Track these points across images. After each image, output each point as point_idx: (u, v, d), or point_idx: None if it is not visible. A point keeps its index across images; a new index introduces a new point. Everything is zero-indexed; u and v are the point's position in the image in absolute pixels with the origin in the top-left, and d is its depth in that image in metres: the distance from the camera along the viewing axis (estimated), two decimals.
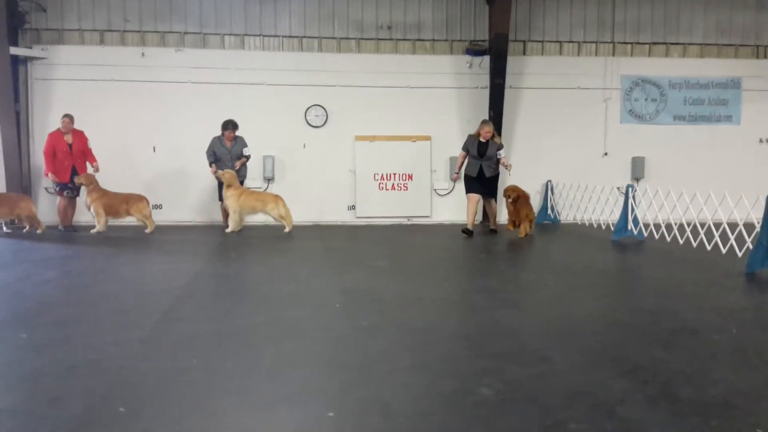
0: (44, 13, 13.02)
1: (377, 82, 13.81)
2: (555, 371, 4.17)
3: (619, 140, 14.56)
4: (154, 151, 13.33)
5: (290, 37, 13.74)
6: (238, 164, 12.03)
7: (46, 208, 12.63)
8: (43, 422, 3.36)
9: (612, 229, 11.39)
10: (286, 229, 11.83)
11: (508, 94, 13.93)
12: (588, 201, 13.03)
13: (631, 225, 10.84)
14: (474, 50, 14.00)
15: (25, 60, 12.96)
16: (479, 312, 5.93)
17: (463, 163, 11.58)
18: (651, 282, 7.70)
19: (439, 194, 14.25)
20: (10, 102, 12.59)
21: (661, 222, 10.92)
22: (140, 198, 11.92)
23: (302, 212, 12.93)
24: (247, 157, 12.21)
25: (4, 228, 11.70)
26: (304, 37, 13.77)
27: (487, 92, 13.92)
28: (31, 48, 12.97)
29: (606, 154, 14.56)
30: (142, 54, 13.22)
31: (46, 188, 12.45)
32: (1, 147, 12.67)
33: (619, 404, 3.58)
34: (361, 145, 13.93)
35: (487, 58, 13.91)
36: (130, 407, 3.55)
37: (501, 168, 11.63)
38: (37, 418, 3.41)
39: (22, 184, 12.77)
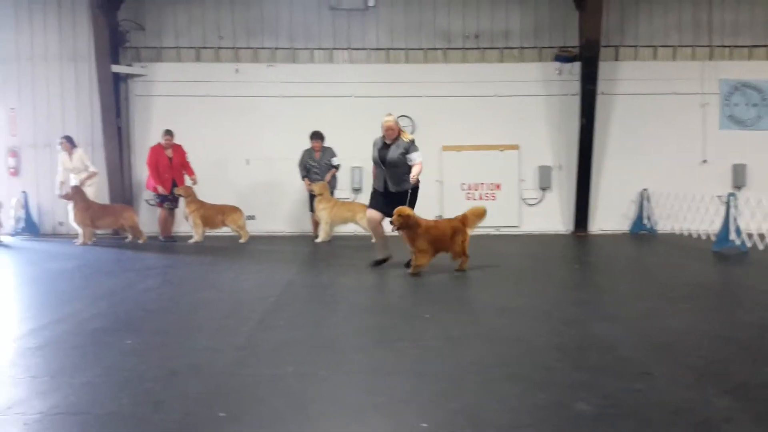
0: (143, 31, 13.67)
1: (464, 92, 13.77)
2: (655, 386, 4.01)
3: (719, 147, 13.93)
4: (248, 163, 13.73)
5: (377, 49, 13.89)
6: (328, 176, 12.23)
7: (146, 219, 13.21)
8: (147, 426, 3.50)
9: (712, 239, 10.89)
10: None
11: (600, 100, 13.59)
12: (686, 210, 12.51)
13: (733, 235, 10.33)
14: (564, 57, 13.75)
15: (126, 77, 13.64)
16: (574, 324, 5.79)
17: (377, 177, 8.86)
18: (756, 295, 7.31)
19: (528, 204, 14.03)
20: (113, 118, 13.26)
21: (766, 232, 10.35)
22: (235, 209, 12.30)
23: (387, 223, 12.98)
24: (336, 167, 12.40)
25: (129, 237, 12.27)
26: (391, 48, 13.89)
27: (577, 99, 13.62)
28: (131, 66, 13.64)
29: (705, 161, 13.96)
30: (236, 70, 13.67)
31: (146, 200, 13.05)
32: (105, 161, 13.35)
33: (725, 423, 3.41)
34: (448, 155, 13.89)
35: (577, 65, 13.63)
36: (230, 412, 3.66)
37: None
38: (141, 422, 3.56)
39: (124, 195, 13.42)
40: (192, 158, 12.52)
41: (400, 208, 7.97)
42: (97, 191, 12.57)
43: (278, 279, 8.19)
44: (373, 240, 8.97)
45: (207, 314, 6.30)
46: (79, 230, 11.85)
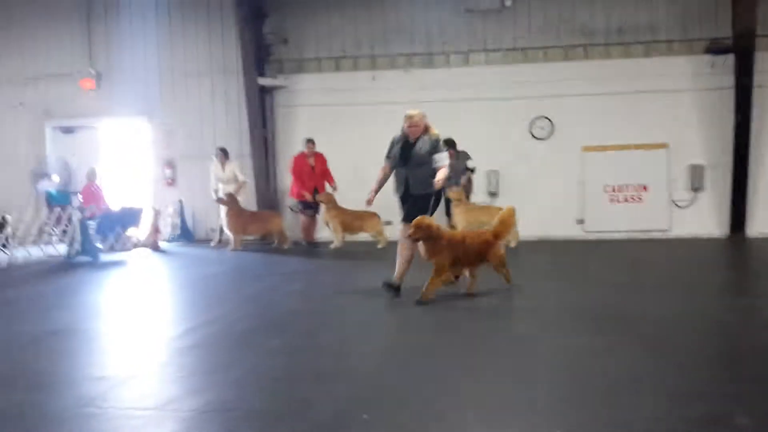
0: (286, 44, 14.22)
1: (606, 90, 13.19)
2: None
3: None
4: None
5: (514, 49, 13.64)
6: (463, 179, 12.14)
7: (290, 225, 13.67)
8: (297, 424, 3.59)
9: None
10: (512, 244, 11.68)
11: (757, 94, 12.57)
12: None
13: None
14: (716, 49, 12.85)
15: (271, 89, 14.25)
16: (732, 331, 5.37)
17: (387, 177, 7.71)
18: None
19: (678, 206, 13.21)
20: (259, 128, 13.89)
21: None
22: (373, 215, 12.48)
23: (527, 227, 12.65)
24: (472, 171, 12.28)
25: (275, 242, 12.85)
26: (529, 48, 13.58)
27: (731, 94, 12.68)
28: (275, 78, 14.23)
29: None
30: (373, 78, 13.90)
31: (290, 207, 13.52)
32: (253, 169, 14.00)
33: None
34: (590, 156, 13.37)
35: (731, 57, 12.69)
36: (374, 415, 3.68)
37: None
38: (290, 420, 3.65)
39: (270, 202, 14.00)
40: (332, 165, 12.84)
41: (419, 218, 6.86)
42: (245, 200, 13.19)
43: (417, 283, 8.20)
44: (399, 257, 7.33)
45: (350, 317, 6.43)
46: (231, 236, 12.48)
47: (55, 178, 14.34)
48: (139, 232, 13.02)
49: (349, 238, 12.62)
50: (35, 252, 11.42)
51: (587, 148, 13.35)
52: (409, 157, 7.25)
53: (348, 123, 13.90)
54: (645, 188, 13.22)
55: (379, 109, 13.82)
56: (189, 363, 4.90)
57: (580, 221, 13.44)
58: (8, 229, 11.12)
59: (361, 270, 9.81)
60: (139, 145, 14.82)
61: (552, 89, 13.31)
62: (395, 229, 13.20)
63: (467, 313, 6.52)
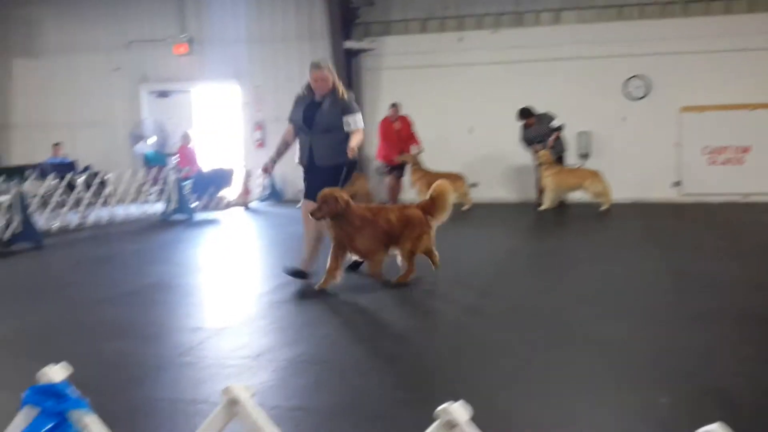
0: (372, 6, 14.13)
1: (707, 47, 12.49)
2: None
3: None
4: (471, 131, 13.73)
5: (607, 6, 13.07)
6: (551, 140, 11.80)
7: (375, 186, 13.73)
8: (384, 376, 3.65)
9: None
10: (604, 207, 11.36)
11: None
12: None
13: None
14: None
15: (357, 52, 14.24)
16: None
17: (289, 143, 6.43)
18: None
19: None
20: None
21: None
22: (457, 177, 12.38)
23: (621, 189, 12.23)
24: (559, 129, 11.88)
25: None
26: (624, 5, 12.99)
27: None
28: (361, 41, 14.20)
29: None
30: (459, 39, 13.66)
31: (376, 169, 13.58)
32: None
33: None
34: (688, 117, 12.76)
35: None
36: (459, 371, 3.70)
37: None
38: (377, 372, 3.72)
39: (357, 165, 14.09)
40: (417, 127, 12.77)
41: (325, 190, 5.65)
42: None
43: (501, 246, 8.14)
44: (304, 240, 6.21)
45: (433, 279, 6.43)
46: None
47: (152, 141, 14.91)
48: (230, 192, 13.42)
49: None
50: (134, 210, 11.95)
51: (685, 109, 12.74)
52: (313, 121, 5.98)
53: (435, 85, 13.76)
54: (747, 150, 12.53)
55: (466, 70, 13.63)
56: (280, 317, 5.04)
57: (677, 183, 12.91)
58: (108, 189, 11.66)
59: (444, 231, 9.74)
60: (230, 108, 15.18)
61: (647, 47, 12.72)
62: (481, 191, 13.17)
63: (554, 279, 6.40)
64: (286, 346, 4.28)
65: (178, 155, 13.77)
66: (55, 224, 10.14)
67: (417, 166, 12.34)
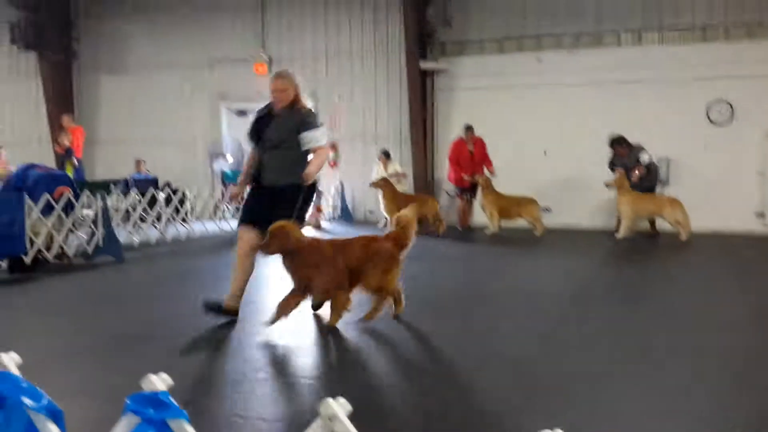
0: (449, 27, 14.17)
1: None
2: None
3: None
4: (546, 154, 13.54)
5: (691, 28, 12.73)
6: (635, 175, 11.35)
7: (445, 209, 13.69)
8: (452, 401, 3.60)
9: None
10: (683, 236, 10.99)
11: None
12: None
13: None
14: None
15: (432, 72, 14.30)
16: None
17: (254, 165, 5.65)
18: None
19: None
20: (419, 112, 14.02)
21: None
22: (531, 201, 12.23)
23: (700, 218, 11.81)
24: (648, 166, 11.40)
25: (430, 227, 12.98)
26: (708, 25, 12.62)
27: None
28: (437, 61, 14.26)
29: None
30: (538, 59, 13.54)
31: (446, 191, 13.56)
32: (411, 152, 14.19)
33: None
34: None
35: None
36: (528, 400, 3.62)
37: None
38: (444, 399, 3.67)
39: (426, 186, 14.12)
40: (491, 150, 12.69)
41: (278, 223, 5.01)
42: (404, 190, 13.46)
43: (576, 272, 7.96)
44: (235, 270, 5.51)
45: (508, 303, 6.34)
46: (388, 218, 12.74)
47: (230, 158, 15.32)
48: None
49: (506, 224, 12.45)
50: (210, 226, 12.27)
51: None
52: (263, 135, 5.37)
53: (510, 107, 13.66)
54: None
55: (542, 91, 13.49)
56: (351, 337, 5.05)
57: (761, 214, 12.38)
58: (187, 205, 12.02)
59: (517, 257, 9.65)
60: None
61: (733, 70, 12.30)
62: (554, 217, 12.94)
63: (633, 308, 6.21)
64: (353, 366, 4.28)
65: None
66: (137, 238, 10.51)
67: (489, 189, 12.25)
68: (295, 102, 5.38)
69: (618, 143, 11.55)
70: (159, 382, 1.15)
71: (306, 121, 5.31)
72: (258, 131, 5.42)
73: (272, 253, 5.06)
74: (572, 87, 13.26)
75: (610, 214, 12.32)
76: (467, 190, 12.63)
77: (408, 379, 4.06)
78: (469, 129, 12.53)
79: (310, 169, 5.18)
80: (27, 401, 1.23)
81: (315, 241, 5.25)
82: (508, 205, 12.24)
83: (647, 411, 3.45)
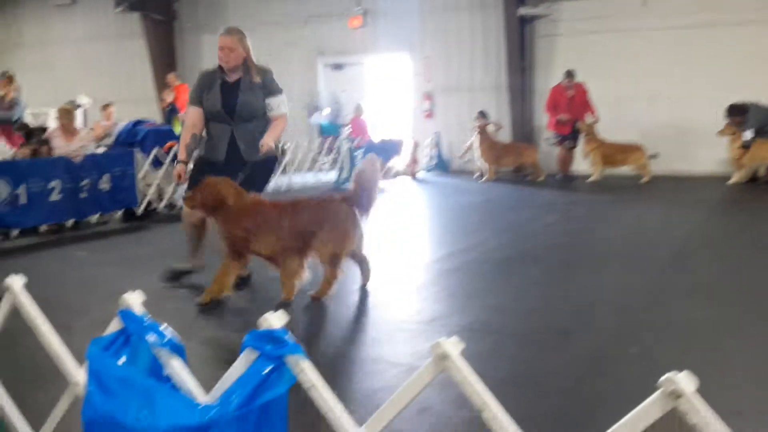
0: None
1: None
2: None
3: None
4: (652, 100, 12.90)
5: None
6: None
7: (545, 157, 13.36)
8: (556, 352, 3.56)
9: None
10: None
11: None
12: None
13: None
14: None
15: (531, 19, 13.79)
16: None
17: (197, 136, 5.00)
18: None
19: None
20: (517, 60, 13.62)
21: None
22: (636, 147, 11.75)
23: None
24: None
25: (529, 175, 12.80)
26: None
27: None
28: (536, 7, 13.74)
29: None
30: (643, 2, 12.80)
31: (546, 139, 13.20)
32: (509, 102, 13.86)
33: None
34: None
35: None
36: (642, 348, 3.52)
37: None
38: (549, 348, 3.63)
39: (525, 134, 13.80)
40: (593, 96, 12.20)
41: (212, 178, 4.51)
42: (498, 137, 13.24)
43: (685, 220, 7.61)
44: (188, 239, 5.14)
45: (611, 251, 6.16)
46: (484, 167, 12.59)
47: (326, 112, 15.49)
48: (399, 162, 13.65)
49: (609, 172, 12.03)
50: (309, 178, 12.50)
51: None
52: (235, 106, 4.84)
53: (613, 52, 13.02)
54: None
55: (649, 35, 12.78)
56: (450, 285, 5.06)
57: None
58: (287, 157, 12.25)
59: (621, 205, 9.33)
60: (400, 79, 15.37)
61: None
62: (661, 164, 12.35)
63: (747, 256, 5.90)
64: (457, 314, 4.29)
65: (350, 126, 14.19)
66: None
67: (592, 136, 11.84)
68: (248, 63, 4.86)
69: (735, 113, 10.87)
70: (276, 319, 1.18)
71: (270, 86, 4.88)
72: (226, 103, 4.82)
73: (195, 206, 4.59)
74: (680, 30, 12.47)
75: (722, 161, 11.67)
76: (568, 138, 12.24)
77: (513, 321, 4.04)
78: (569, 74, 12.07)
79: (266, 140, 4.66)
80: (151, 338, 1.30)
81: (256, 202, 4.61)
82: (612, 152, 11.81)
83: (749, 361, 3.30)
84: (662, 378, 0.98)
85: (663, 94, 12.76)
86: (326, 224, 4.49)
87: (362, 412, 1.66)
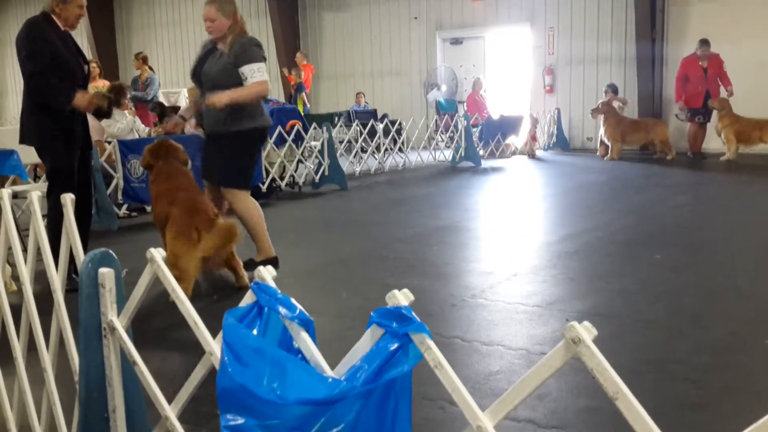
0: None
1: None
2: None
3: None
4: None
5: None
6: None
7: (676, 134, 12.70)
8: (686, 339, 3.40)
9: None
10: None
11: None
12: None
13: None
14: None
15: None
16: None
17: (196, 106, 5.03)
18: None
19: None
20: (647, 30, 12.95)
21: None
22: None
23: None
24: None
25: (657, 153, 12.25)
26: None
27: None
28: None
29: None
30: None
31: (676, 115, 12.52)
32: (637, 75, 13.23)
33: None
34: None
35: None
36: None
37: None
38: (678, 334, 3.48)
39: (654, 110, 13.15)
40: (730, 68, 11.43)
41: (163, 139, 4.74)
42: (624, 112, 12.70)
43: None
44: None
45: (744, 236, 5.81)
46: (609, 145, 12.12)
47: (444, 88, 15.40)
48: (517, 140, 13.39)
49: (744, 150, 11.28)
50: (425, 156, 12.52)
51: None
52: (200, 76, 4.68)
53: (753, 20, 12.14)
54: None
55: None
56: (571, 267, 4.93)
57: None
58: (404, 135, 12.33)
59: (756, 187, 8.73)
60: (521, 53, 15.02)
61: None
62: None
63: None
64: (577, 298, 4.18)
65: (467, 102, 14.06)
66: (358, 168, 11.04)
67: (726, 111, 11.12)
68: (226, 33, 4.59)
69: None
70: (402, 297, 1.19)
71: (241, 55, 4.51)
72: (196, 70, 4.73)
73: (144, 166, 4.83)
74: None
75: None
76: (700, 112, 11.55)
77: (638, 307, 3.89)
78: (704, 44, 11.33)
79: (214, 97, 4.40)
80: (282, 310, 1.35)
81: (175, 168, 4.61)
82: (748, 129, 11.06)
83: None
84: (565, 326, 1.06)
85: None
86: (172, 217, 4.31)
87: (477, 396, 1.65)
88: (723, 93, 11.33)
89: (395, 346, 1.18)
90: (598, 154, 12.55)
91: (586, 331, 1.01)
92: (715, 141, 11.68)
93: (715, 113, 11.31)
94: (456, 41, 15.69)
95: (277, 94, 15.48)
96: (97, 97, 4.56)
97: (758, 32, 12.09)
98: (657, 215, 6.90)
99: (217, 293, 4.58)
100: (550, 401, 2.74)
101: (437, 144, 13.18)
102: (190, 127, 7.32)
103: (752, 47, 12.07)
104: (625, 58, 13.43)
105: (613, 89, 12.71)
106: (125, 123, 8.20)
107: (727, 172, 10.12)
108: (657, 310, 3.89)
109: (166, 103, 11.88)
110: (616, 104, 12.46)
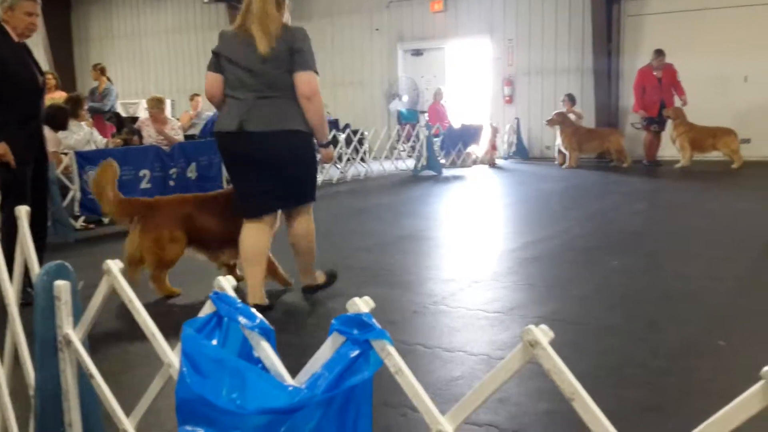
0: None
1: None
2: None
3: None
4: (746, 81, 12.31)
5: None
6: None
7: (631, 143, 12.96)
8: (642, 343, 3.47)
9: None
10: None
11: None
12: None
13: None
14: None
15: None
16: None
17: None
18: None
19: None
20: (603, 42, 13.22)
21: None
22: (728, 131, 11.25)
23: None
24: None
25: (613, 161, 12.46)
26: None
27: None
28: None
29: None
30: None
31: (632, 123, 12.79)
32: (594, 85, 13.48)
33: None
34: None
35: None
36: (730, 342, 3.39)
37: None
38: (635, 339, 3.54)
39: (610, 119, 13.41)
40: (684, 77, 11.73)
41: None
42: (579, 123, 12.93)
43: None
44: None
45: (699, 241, 5.94)
46: (567, 153, 12.31)
47: (405, 98, 15.49)
48: (478, 149, 13.53)
49: (698, 157, 11.57)
50: (387, 165, 12.55)
51: None
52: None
53: (704, 30, 12.50)
54: None
55: (743, 13, 12.20)
56: (531, 274, 4.99)
57: None
58: (366, 145, 12.36)
59: (711, 192, 8.96)
60: (480, 63, 15.19)
61: None
62: (753, 149, 11.78)
63: None
64: (537, 304, 4.24)
65: (428, 112, 14.17)
66: (320, 177, 11.02)
67: (680, 119, 11.41)
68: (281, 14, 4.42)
69: None
70: (363, 304, 1.20)
71: (298, 42, 4.39)
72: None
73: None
74: None
75: None
76: (655, 121, 11.82)
77: (596, 312, 3.95)
78: (659, 54, 11.61)
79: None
80: (242, 320, 1.34)
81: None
82: (701, 137, 11.35)
83: None
84: (523, 330, 1.09)
85: (757, 76, 12.17)
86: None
87: (439, 401, 1.65)
88: (677, 102, 11.62)
89: (356, 353, 1.19)
90: (556, 162, 12.74)
91: (543, 334, 1.03)
92: (669, 149, 11.96)
93: (669, 122, 11.59)
94: (417, 52, 15.81)
95: None
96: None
97: (711, 43, 12.43)
98: (615, 222, 7.04)
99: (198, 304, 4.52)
100: (511, 405, 2.77)
101: (399, 153, 13.24)
102: (150, 138, 7.22)
103: (705, 58, 12.40)
104: (582, 69, 13.68)
105: (571, 99, 12.95)
106: (82, 134, 8.07)
107: (681, 179, 10.36)
108: (615, 315, 3.96)
109: (123, 114, 11.72)
110: (572, 116, 12.68)
